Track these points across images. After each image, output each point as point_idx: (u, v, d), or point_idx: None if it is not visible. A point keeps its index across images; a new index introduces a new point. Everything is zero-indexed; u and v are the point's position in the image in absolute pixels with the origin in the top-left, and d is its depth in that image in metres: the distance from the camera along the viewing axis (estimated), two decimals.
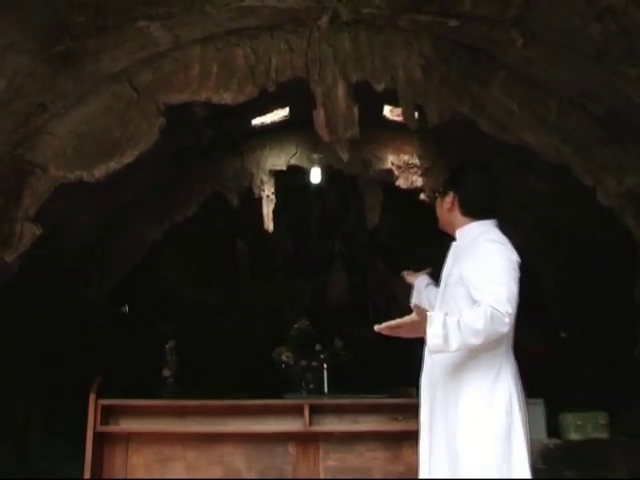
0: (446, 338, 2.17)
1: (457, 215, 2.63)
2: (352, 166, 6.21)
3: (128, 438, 4.02)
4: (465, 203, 2.61)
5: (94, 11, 3.48)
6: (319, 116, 4.20)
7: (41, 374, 5.51)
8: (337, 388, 5.18)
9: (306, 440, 4.02)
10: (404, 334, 2.27)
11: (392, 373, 5.42)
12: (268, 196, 6.65)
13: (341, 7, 3.89)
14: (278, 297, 8.64)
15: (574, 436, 4.61)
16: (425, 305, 2.73)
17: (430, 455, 2.44)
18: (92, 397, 3.91)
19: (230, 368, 7.40)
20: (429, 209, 3.32)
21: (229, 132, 6.20)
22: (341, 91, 4.17)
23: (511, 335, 2.41)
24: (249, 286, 8.68)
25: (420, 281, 2.99)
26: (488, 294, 2.26)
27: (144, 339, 6.67)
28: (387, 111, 6.17)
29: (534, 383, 2.89)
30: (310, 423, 3.94)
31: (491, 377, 2.36)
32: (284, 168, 6.69)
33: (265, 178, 6.65)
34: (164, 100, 4.24)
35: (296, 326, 5.85)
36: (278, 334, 6.49)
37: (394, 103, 5.15)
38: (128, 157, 4.24)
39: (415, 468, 2.54)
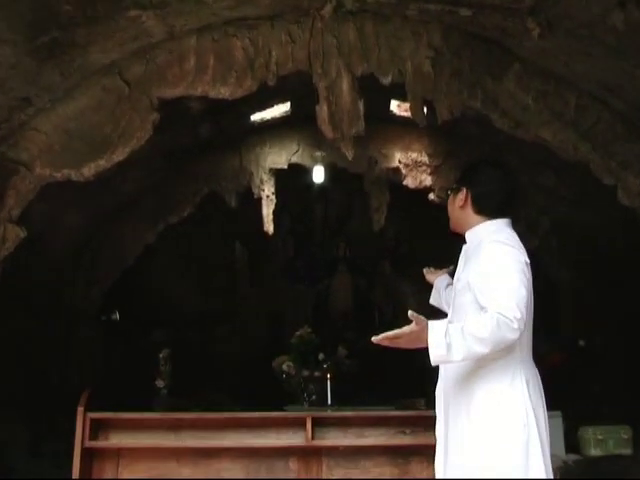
0: (449, 347, 2.13)
1: (469, 213, 2.56)
2: (357, 164, 6.15)
3: (119, 454, 3.97)
4: (478, 200, 2.53)
5: None
6: (322, 111, 4.18)
7: (26, 387, 5.46)
8: (341, 400, 5.14)
9: (308, 455, 3.97)
10: (404, 345, 2.23)
11: (400, 384, 5.44)
12: (268, 196, 6.56)
13: None
14: (279, 303, 8.63)
15: (594, 452, 4.57)
16: (444, 307, 2.76)
17: (445, 472, 2.36)
18: (80, 410, 3.85)
19: (228, 378, 7.36)
20: (439, 209, 3.23)
21: (227, 128, 6.13)
22: (345, 85, 4.15)
23: (527, 341, 2.34)
24: (248, 291, 8.65)
25: (441, 280, 2.95)
26: (494, 299, 2.21)
27: (136, 347, 6.66)
28: (394, 106, 6.11)
29: (551, 394, 2.82)
30: (312, 437, 3.89)
31: (503, 387, 2.27)
32: (285, 167, 6.61)
33: (265, 177, 6.57)
34: (157, 94, 4.22)
35: (298, 334, 5.87)
36: (279, 342, 6.63)
37: (402, 98, 5.13)
38: (119, 155, 4.22)
39: None
